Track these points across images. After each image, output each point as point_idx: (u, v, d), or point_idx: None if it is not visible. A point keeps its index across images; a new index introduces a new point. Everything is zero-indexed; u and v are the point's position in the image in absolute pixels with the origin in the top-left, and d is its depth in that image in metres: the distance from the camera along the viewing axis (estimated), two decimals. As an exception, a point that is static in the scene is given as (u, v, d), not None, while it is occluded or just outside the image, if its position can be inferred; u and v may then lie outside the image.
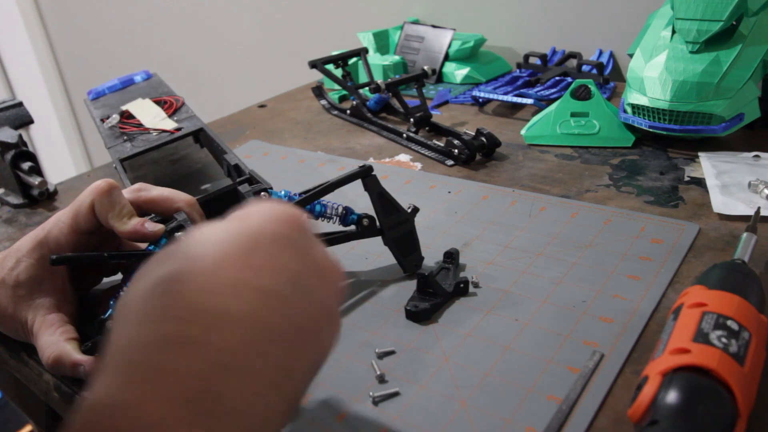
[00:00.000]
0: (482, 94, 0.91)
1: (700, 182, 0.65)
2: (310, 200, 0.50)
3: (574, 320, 0.45)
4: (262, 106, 1.03)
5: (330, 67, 0.96)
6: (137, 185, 0.47)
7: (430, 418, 0.38)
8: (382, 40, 1.14)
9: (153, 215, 0.47)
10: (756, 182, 0.60)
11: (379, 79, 0.93)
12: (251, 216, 0.30)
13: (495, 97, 0.90)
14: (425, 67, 0.88)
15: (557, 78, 0.97)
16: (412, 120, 0.82)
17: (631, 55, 0.79)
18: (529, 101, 0.86)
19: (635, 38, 0.83)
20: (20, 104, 0.78)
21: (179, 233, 0.44)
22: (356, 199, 0.55)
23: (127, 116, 0.75)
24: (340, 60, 0.97)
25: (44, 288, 0.45)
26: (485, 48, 1.12)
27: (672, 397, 0.32)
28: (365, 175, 0.50)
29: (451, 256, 0.53)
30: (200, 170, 0.76)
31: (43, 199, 0.74)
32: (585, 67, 0.98)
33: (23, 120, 0.78)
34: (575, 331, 0.44)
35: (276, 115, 0.98)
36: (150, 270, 0.28)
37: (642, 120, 0.72)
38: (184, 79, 1.69)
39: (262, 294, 0.27)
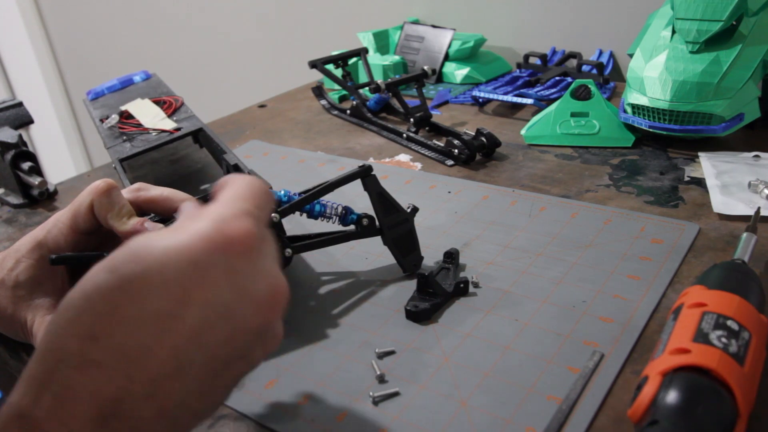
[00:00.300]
0: (482, 94, 0.91)
1: (700, 182, 0.65)
2: (309, 200, 0.50)
3: (574, 320, 0.45)
4: (262, 106, 1.03)
5: (330, 67, 0.96)
6: (137, 185, 0.47)
7: (430, 418, 0.38)
8: (382, 40, 1.14)
9: (153, 215, 0.47)
10: (756, 182, 0.60)
11: (379, 79, 0.93)
12: (199, 229, 0.27)
13: (495, 97, 0.90)
14: (425, 67, 0.88)
15: (557, 78, 0.97)
16: (412, 120, 0.82)
17: (631, 55, 0.79)
18: (529, 101, 0.86)
19: (635, 38, 0.83)
20: (20, 104, 0.78)
21: None
22: (356, 199, 0.55)
23: (126, 116, 0.75)
24: (340, 60, 0.97)
25: (44, 288, 0.45)
26: (485, 48, 1.12)
27: (672, 397, 0.32)
28: (365, 174, 0.50)
29: (451, 256, 0.53)
30: (200, 170, 0.76)
31: (43, 199, 0.74)
32: (585, 67, 0.98)
33: (23, 120, 0.78)
34: (575, 331, 0.44)
35: (276, 115, 0.98)
36: (86, 277, 0.27)
37: (642, 120, 0.72)
38: (185, 80, 1.69)
39: (183, 328, 0.26)
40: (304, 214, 0.51)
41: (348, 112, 0.92)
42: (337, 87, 1.03)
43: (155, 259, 0.26)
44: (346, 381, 0.42)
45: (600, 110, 0.77)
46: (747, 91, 0.68)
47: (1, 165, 0.72)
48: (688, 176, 0.67)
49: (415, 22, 1.13)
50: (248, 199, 0.30)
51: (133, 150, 0.67)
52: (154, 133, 0.70)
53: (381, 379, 0.41)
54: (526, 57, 1.03)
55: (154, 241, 0.27)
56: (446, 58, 1.06)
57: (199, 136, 0.70)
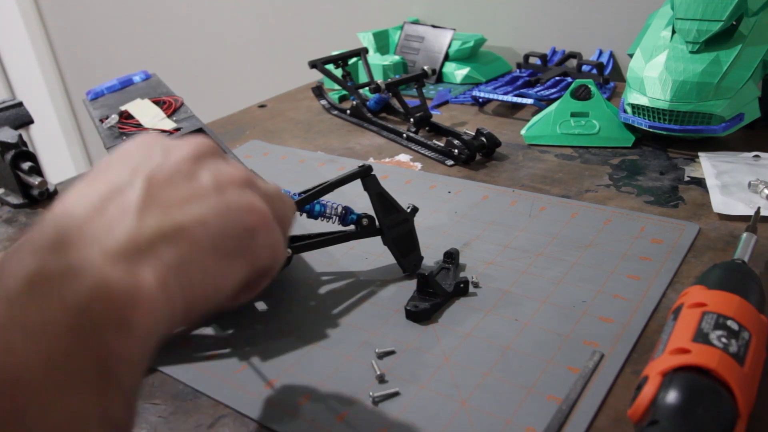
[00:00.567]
0: (482, 94, 0.91)
1: (700, 182, 0.65)
2: (309, 200, 0.50)
3: (574, 320, 0.45)
4: (262, 106, 1.03)
5: (330, 67, 0.96)
6: None
7: (430, 418, 0.38)
8: (382, 40, 1.14)
9: None
10: (756, 182, 0.60)
11: (379, 79, 0.93)
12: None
13: (495, 97, 0.90)
14: (425, 67, 0.87)
15: (557, 78, 0.97)
16: (412, 120, 0.82)
17: (631, 55, 0.79)
18: (529, 101, 0.86)
19: (635, 38, 0.83)
20: (20, 104, 0.78)
21: None
22: (356, 199, 0.55)
23: (126, 116, 0.75)
24: (340, 60, 0.97)
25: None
26: (485, 48, 1.12)
27: (672, 397, 0.32)
28: (364, 174, 0.50)
29: (451, 256, 0.53)
30: (200, 170, 0.76)
31: (43, 199, 0.74)
32: (585, 67, 0.98)
33: (23, 120, 0.78)
34: (575, 331, 0.44)
35: (276, 115, 0.98)
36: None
37: (642, 120, 0.72)
38: (185, 80, 1.69)
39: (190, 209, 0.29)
40: (304, 214, 0.51)
41: (348, 112, 0.92)
42: (337, 87, 1.03)
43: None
44: (346, 381, 0.42)
45: (600, 110, 0.77)
46: (747, 91, 0.68)
47: (1, 165, 0.72)
48: (688, 176, 0.67)
49: (415, 22, 1.13)
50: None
51: (133, 150, 0.67)
52: (154, 133, 0.70)
53: (381, 379, 0.41)
54: (526, 57, 1.03)
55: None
56: (446, 58, 1.06)
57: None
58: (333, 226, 0.52)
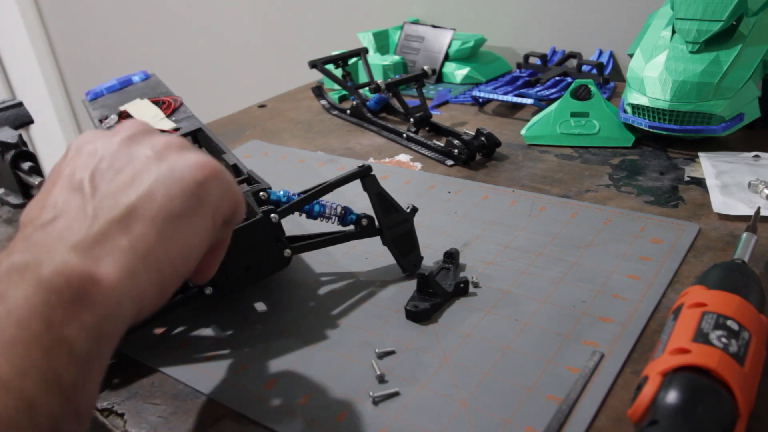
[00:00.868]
0: (482, 94, 0.91)
1: (700, 182, 0.65)
2: (308, 200, 0.50)
3: (574, 320, 0.45)
4: (262, 106, 1.03)
5: (330, 67, 0.96)
6: None
7: (430, 418, 0.38)
8: (382, 40, 1.14)
9: None
10: (756, 182, 0.60)
11: (379, 79, 0.93)
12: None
13: (495, 97, 0.90)
14: (425, 67, 0.87)
15: (557, 78, 0.97)
16: (412, 120, 0.82)
17: (631, 55, 0.79)
18: (529, 101, 0.86)
19: (635, 38, 0.83)
20: (20, 104, 0.78)
21: None
22: (355, 199, 0.55)
23: (125, 117, 0.75)
24: (340, 60, 0.97)
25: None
26: (485, 48, 1.12)
27: (672, 397, 0.32)
28: (364, 175, 0.50)
29: (451, 256, 0.53)
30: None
31: (42, 199, 0.74)
32: (585, 67, 0.98)
33: (23, 120, 0.78)
34: (575, 331, 0.44)
35: (276, 115, 0.98)
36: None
37: (642, 120, 0.72)
38: (185, 80, 1.69)
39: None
40: (304, 215, 0.51)
41: (348, 112, 0.92)
42: (337, 87, 1.03)
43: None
44: (346, 381, 0.42)
45: (600, 110, 0.77)
46: (747, 91, 0.68)
47: (1, 165, 0.72)
48: (688, 176, 0.67)
49: (415, 22, 1.13)
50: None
51: (133, 150, 0.67)
52: (153, 133, 0.70)
53: (381, 379, 0.41)
54: (526, 57, 1.03)
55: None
56: (446, 58, 1.06)
57: (198, 136, 0.70)
58: (332, 227, 0.52)
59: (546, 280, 0.50)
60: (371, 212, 0.51)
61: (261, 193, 0.49)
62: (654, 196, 0.63)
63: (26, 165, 0.71)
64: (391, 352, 0.44)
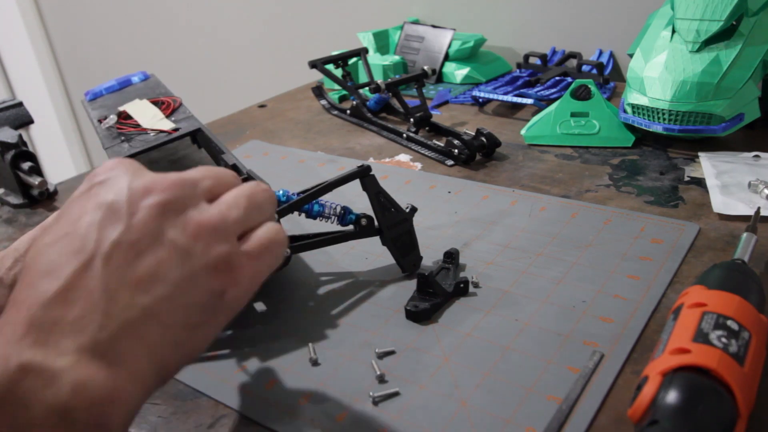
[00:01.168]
0: (482, 94, 0.91)
1: (700, 182, 0.65)
2: (308, 200, 0.50)
3: (574, 320, 0.45)
4: (262, 106, 1.03)
5: (330, 67, 0.96)
6: None
7: (430, 418, 0.38)
8: (382, 40, 1.14)
9: None
10: (756, 182, 0.60)
11: (379, 79, 0.93)
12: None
13: (495, 97, 0.90)
14: (425, 67, 0.87)
15: (557, 78, 0.97)
16: (412, 120, 0.82)
17: (631, 55, 0.79)
18: (529, 101, 0.86)
19: (635, 38, 0.83)
20: (20, 104, 0.78)
21: None
22: (355, 199, 0.55)
23: (124, 117, 0.75)
24: (340, 60, 0.97)
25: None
26: (485, 48, 1.12)
27: (672, 397, 0.32)
28: (363, 174, 0.50)
29: (451, 256, 0.53)
30: (200, 170, 0.76)
31: (43, 199, 0.74)
32: (585, 67, 0.98)
33: (23, 120, 0.78)
34: (575, 331, 0.44)
35: (276, 115, 0.98)
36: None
37: (642, 120, 0.72)
38: (185, 80, 1.69)
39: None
40: (303, 214, 0.51)
41: (348, 112, 0.92)
42: (337, 87, 1.03)
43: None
44: (346, 381, 0.42)
45: (600, 110, 0.77)
46: (747, 91, 0.68)
47: (1, 165, 0.72)
48: (688, 176, 0.67)
49: (415, 22, 1.13)
50: None
51: (131, 150, 0.67)
52: (152, 134, 0.70)
53: (381, 379, 0.41)
54: (526, 57, 1.03)
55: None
56: (446, 58, 1.06)
57: (198, 136, 0.70)
58: (332, 226, 0.52)
59: (546, 280, 0.50)
60: (371, 212, 0.51)
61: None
62: (654, 196, 0.63)
63: (26, 165, 0.71)
64: (391, 352, 0.44)
